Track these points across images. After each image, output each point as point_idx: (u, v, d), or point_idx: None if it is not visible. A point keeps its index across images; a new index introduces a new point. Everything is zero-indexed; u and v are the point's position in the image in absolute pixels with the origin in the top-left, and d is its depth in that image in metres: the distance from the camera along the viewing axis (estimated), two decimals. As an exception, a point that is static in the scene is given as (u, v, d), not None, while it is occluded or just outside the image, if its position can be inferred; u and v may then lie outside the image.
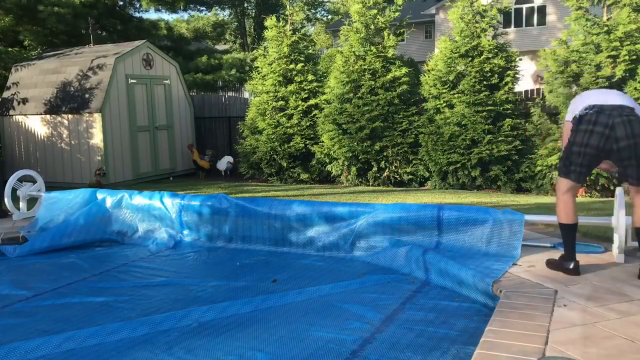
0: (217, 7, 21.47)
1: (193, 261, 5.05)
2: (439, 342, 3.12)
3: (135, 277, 4.59)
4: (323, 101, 10.41)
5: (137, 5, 17.93)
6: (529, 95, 9.65)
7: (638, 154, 3.55)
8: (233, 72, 18.11)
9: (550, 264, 3.95)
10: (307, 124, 10.50)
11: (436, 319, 3.46)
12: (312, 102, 10.58)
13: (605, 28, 8.22)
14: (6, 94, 11.15)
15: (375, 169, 9.74)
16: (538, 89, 9.74)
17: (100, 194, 5.91)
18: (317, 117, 10.40)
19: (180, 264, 4.98)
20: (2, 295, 4.17)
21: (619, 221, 4.03)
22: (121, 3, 17.34)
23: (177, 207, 5.53)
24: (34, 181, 6.52)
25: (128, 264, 4.98)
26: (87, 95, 10.29)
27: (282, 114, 10.68)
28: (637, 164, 3.58)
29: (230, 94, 19.91)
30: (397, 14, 9.99)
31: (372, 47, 9.86)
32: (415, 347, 3.06)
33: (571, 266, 3.78)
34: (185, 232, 5.56)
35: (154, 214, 5.65)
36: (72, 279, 4.54)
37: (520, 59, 9.46)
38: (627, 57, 7.99)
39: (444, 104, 9.26)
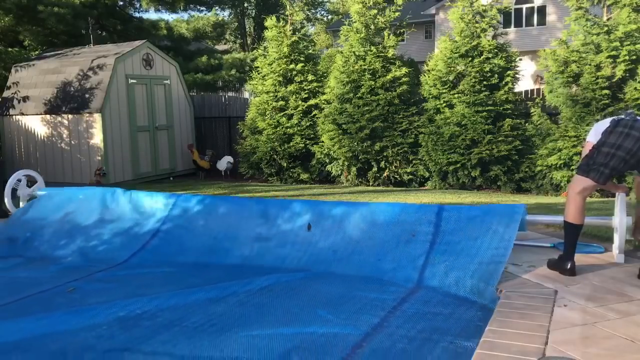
0: (217, 7, 21.44)
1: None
2: (463, 301, 3.69)
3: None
4: (323, 101, 10.40)
5: (137, 5, 17.90)
6: (529, 95, 9.65)
7: None
8: (233, 72, 18.09)
9: (550, 263, 3.96)
10: (307, 124, 10.49)
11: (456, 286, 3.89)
12: (312, 102, 10.57)
13: (605, 28, 8.21)
14: (6, 94, 11.15)
15: (375, 169, 9.74)
16: (538, 89, 9.74)
17: None
18: (317, 117, 10.39)
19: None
20: (83, 265, 4.86)
21: (619, 221, 4.03)
22: (121, 3, 17.31)
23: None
24: (34, 181, 6.52)
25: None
26: (87, 95, 10.29)
27: (282, 114, 10.68)
28: None
29: (230, 94, 19.89)
30: (397, 14, 9.98)
31: (372, 47, 9.86)
32: (444, 304, 3.66)
33: (568, 266, 3.80)
34: None
35: None
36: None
37: (520, 59, 9.46)
38: (627, 57, 7.99)
39: (444, 104, 9.26)
